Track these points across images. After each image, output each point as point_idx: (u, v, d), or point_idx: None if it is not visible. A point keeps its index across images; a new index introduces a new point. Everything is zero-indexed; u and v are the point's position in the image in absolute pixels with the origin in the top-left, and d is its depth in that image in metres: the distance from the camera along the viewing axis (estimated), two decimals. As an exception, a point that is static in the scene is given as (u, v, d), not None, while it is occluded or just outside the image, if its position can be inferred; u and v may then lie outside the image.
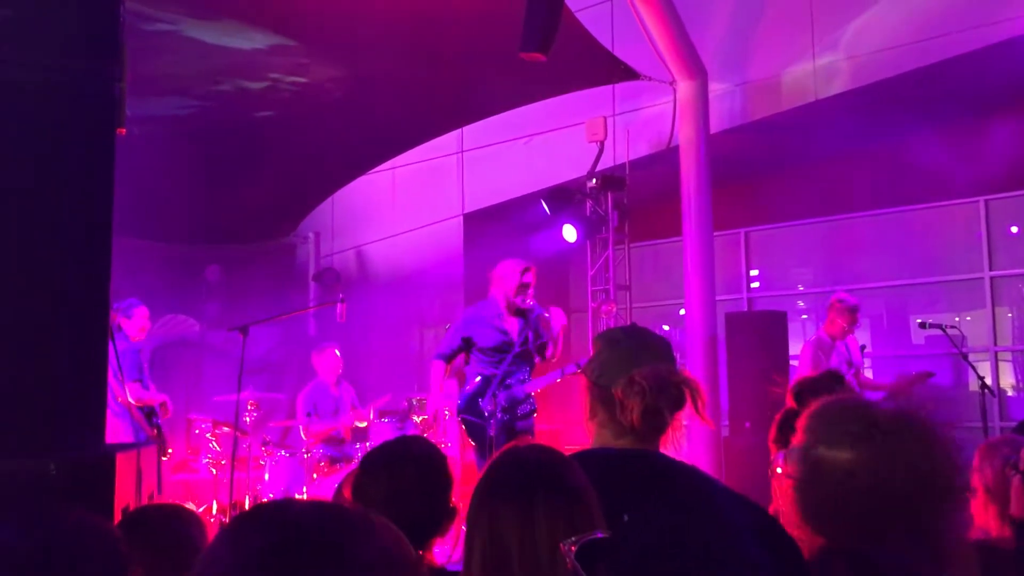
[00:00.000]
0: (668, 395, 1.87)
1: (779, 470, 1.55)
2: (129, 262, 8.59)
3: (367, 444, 7.01)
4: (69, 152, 2.70)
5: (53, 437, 2.62)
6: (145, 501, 3.08)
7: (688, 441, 6.92)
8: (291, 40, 7.03)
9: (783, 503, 1.50)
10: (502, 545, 1.43)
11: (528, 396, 5.79)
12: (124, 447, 3.12)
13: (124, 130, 2.73)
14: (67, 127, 2.71)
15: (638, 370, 1.88)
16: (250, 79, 7.71)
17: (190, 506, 3.07)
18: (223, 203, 9.51)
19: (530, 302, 5.73)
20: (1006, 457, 2.24)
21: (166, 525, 2.08)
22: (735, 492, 1.89)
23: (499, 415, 5.44)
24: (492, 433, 5.40)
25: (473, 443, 5.82)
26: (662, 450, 1.92)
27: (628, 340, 2.01)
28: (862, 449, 1.39)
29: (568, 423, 8.76)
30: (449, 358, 5.94)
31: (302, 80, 7.76)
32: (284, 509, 0.90)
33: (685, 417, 1.92)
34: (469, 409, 5.76)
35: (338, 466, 6.85)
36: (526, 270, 5.80)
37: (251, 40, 7.06)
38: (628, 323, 8.68)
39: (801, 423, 1.52)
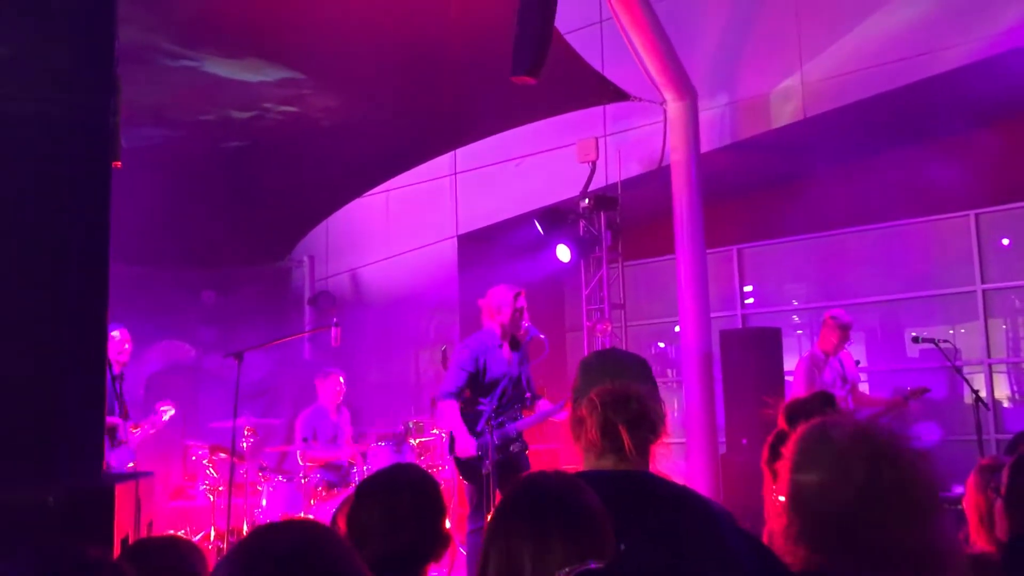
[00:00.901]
0: (622, 410, 1.90)
1: (781, 498, 1.57)
2: (125, 288, 8.59)
3: (365, 468, 7.00)
4: (65, 185, 2.73)
5: (51, 469, 2.63)
6: (144, 531, 3.09)
7: (686, 458, 6.94)
8: (299, 73, 7.09)
9: (775, 526, 1.53)
10: (516, 569, 1.45)
11: (520, 433, 5.63)
12: (123, 477, 3.12)
13: (120, 163, 2.76)
14: (63, 160, 2.74)
15: (595, 388, 1.93)
16: (245, 107, 7.76)
17: (185, 535, 3.09)
18: (218, 228, 9.53)
19: (525, 325, 5.71)
20: (989, 482, 2.27)
21: (166, 557, 2.09)
22: (727, 514, 1.90)
23: (492, 454, 5.28)
24: (486, 471, 5.27)
25: (466, 481, 5.59)
26: (653, 470, 1.94)
27: (598, 362, 2.05)
28: (822, 472, 1.42)
29: (567, 442, 8.75)
30: (459, 395, 5.60)
31: (294, 108, 7.81)
32: (275, 540, 0.98)
33: (670, 435, 1.94)
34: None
35: (336, 491, 6.84)
36: (518, 295, 5.74)
37: (263, 74, 7.13)
38: (623, 341, 8.70)
39: (787, 449, 1.55)
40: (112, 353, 6.24)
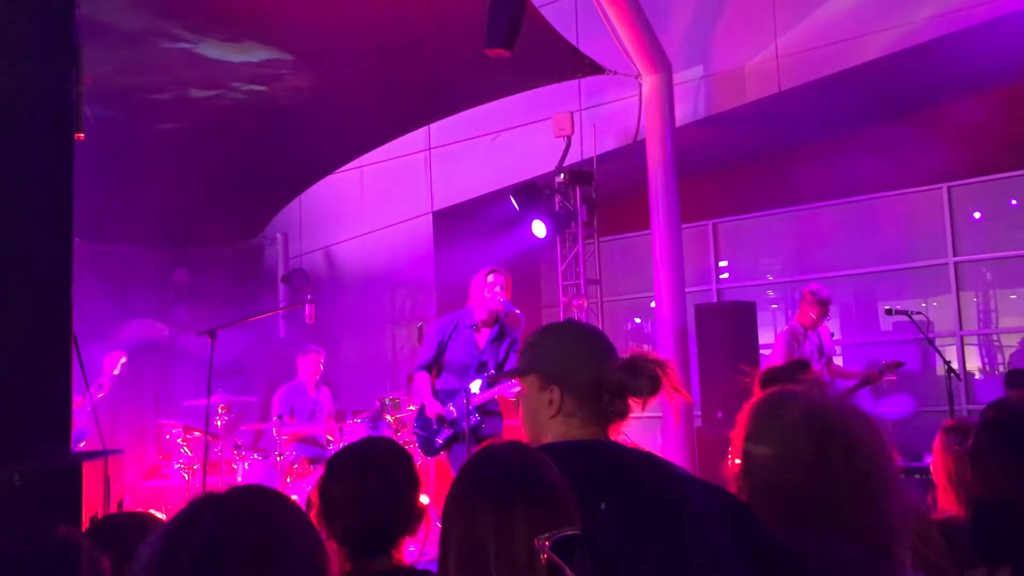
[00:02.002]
0: (644, 380, 1.88)
1: (737, 461, 1.57)
2: (97, 267, 8.51)
3: (342, 445, 6.98)
4: (26, 158, 2.66)
5: (16, 446, 2.59)
6: (114, 509, 3.05)
7: (662, 432, 6.97)
8: (271, 48, 6.99)
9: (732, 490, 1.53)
10: (479, 543, 1.43)
11: (480, 408, 5.64)
12: (91, 455, 3.08)
13: (83, 135, 2.70)
14: (23, 133, 2.68)
15: (614, 361, 1.90)
16: (215, 84, 7.64)
17: (159, 514, 3.05)
18: (189, 206, 9.42)
19: (500, 300, 5.68)
20: (954, 442, 2.28)
21: (133, 533, 2.06)
22: (696, 478, 1.91)
23: (445, 429, 5.38)
24: (439, 444, 5.39)
25: (426, 456, 5.77)
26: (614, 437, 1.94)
27: (585, 345, 1.99)
28: (772, 446, 1.41)
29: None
30: (430, 367, 5.79)
31: (265, 86, 7.70)
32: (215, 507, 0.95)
33: (647, 408, 1.93)
34: (418, 421, 5.73)
35: (312, 468, 6.82)
36: (490, 272, 5.77)
37: (234, 50, 7.03)
38: (599, 317, 8.71)
39: (742, 416, 1.55)
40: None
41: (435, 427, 5.52)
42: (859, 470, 1.40)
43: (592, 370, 1.90)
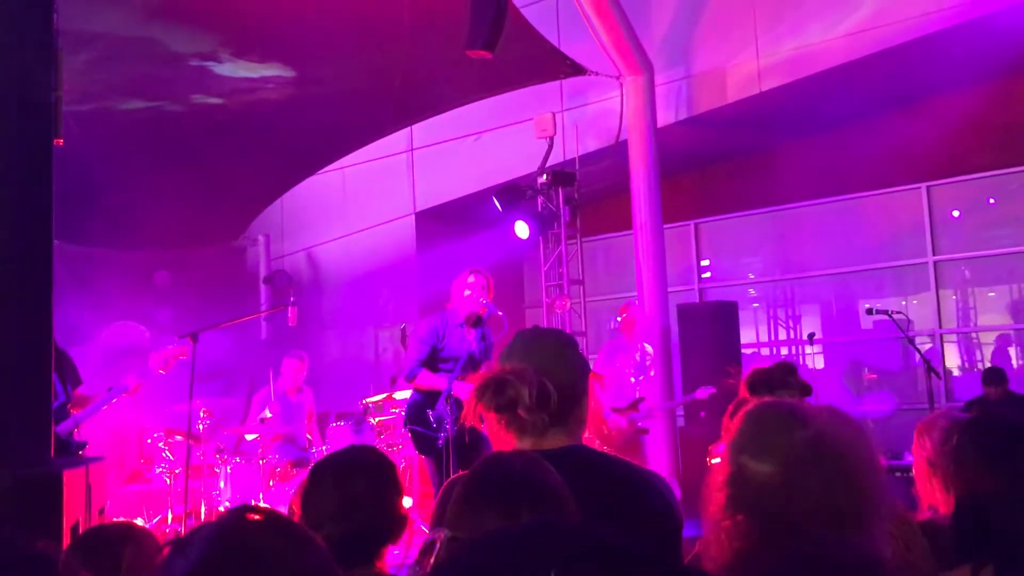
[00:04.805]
0: (490, 395, 1.85)
1: (715, 460, 1.57)
2: (77, 269, 8.43)
3: (324, 448, 6.95)
4: (5, 163, 2.64)
5: (-3, 455, 2.56)
6: (95, 517, 3.03)
7: (648, 434, 6.90)
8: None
9: (710, 492, 1.52)
10: None
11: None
12: (72, 463, 3.06)
13: (61, 140, 2.68)
14: (2, 138, 2.65)
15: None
16: (197, 85, 7.59)
17: (140, 521, 3.04)
18: (170, 207, 9.36)
19: (482, 300, 5.67)
20: (944, 430, 2.28)
21: (119, 544, 2.04)
22: (655, 484, 1.92)
23: (449, 426, 5.28)
24: (441, 443, 5.27)
25: (422, 455, 5.67)
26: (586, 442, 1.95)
27: (512, 348, 2.00)
28: (777, 467, 1.41)
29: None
30: (426, 363, 5.65)
31: (247, 84, 7.67)
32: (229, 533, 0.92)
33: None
34: (416, 419, 5.67)
35: (295, 471, 6.79)
36: (472, 272, 5.75)
37: (215, 51, 7.00)
38: (582, 318, 8.72)
39: (735, 423, 1.54)
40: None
41: (434, 425, 5.47)
42: (860, 509, 1.40)
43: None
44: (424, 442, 5.51)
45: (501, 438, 1.87)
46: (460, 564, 0.82)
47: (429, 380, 5.62)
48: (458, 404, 5.49)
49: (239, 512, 1.06)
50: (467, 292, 5.64)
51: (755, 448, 1.45)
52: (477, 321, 5.73)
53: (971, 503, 2.04)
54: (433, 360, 5.64)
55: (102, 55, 6.46)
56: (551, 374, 1.88)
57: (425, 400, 5.55)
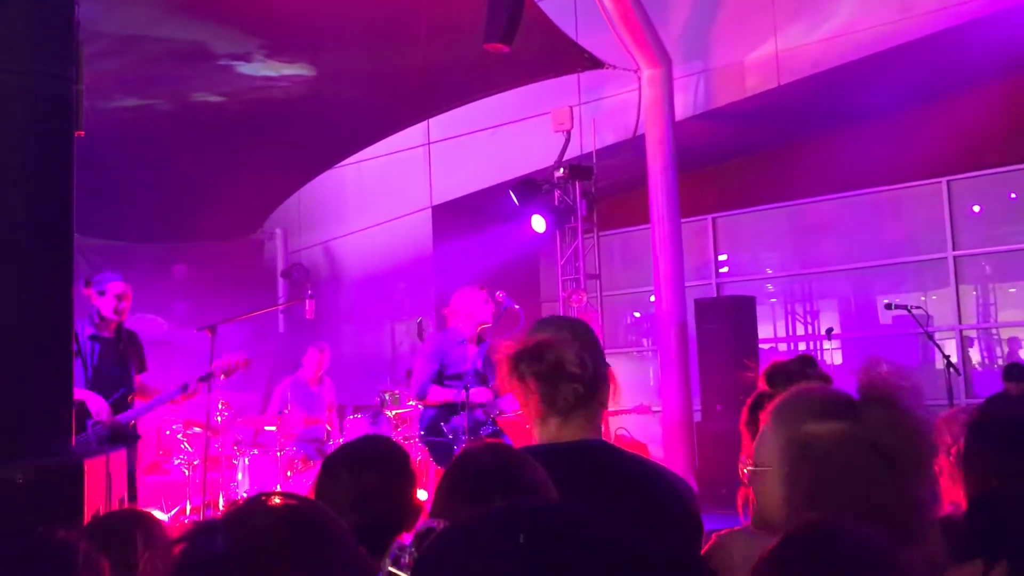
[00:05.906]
0: (534, 362, 1.79)
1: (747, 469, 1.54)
2: (96, 262, 8.48)
3: (342, 440, 6.98)
4: (27, 156, 2.66)
5: (19, 445, 2.59)
6: (115, 506, 3.06)
7: (662, 426, 6.96)
8: (270, 44, 6.98)
9: (755, 496, 1.49)
10: None
11: (492, 419, 5.64)
12: (93, 452, 3.09)
13: (83, 132, 2.70)
14: (24, 131, 2.67)
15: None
16: (214, 79, 7.62)
17: (157, 513, 3.06)
18: (189, 201, 9.41)
19: (492, 312, 5.78)
20: (964, 425, 2.26)
21: (130, 531, 2.06)
22: (677, 488, 1.89)
23: (463, 437, 5.35)
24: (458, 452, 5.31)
25: (440, 465, 5.71)
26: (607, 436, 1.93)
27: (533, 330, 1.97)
28: (847, 421, 1.38)
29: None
30: (435, 380, 5.75)
31: (265, 80, 7.69)
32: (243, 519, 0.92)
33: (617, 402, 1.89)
34: (432, 432, 5.72)
35: (312, 463, 6.82)
36: (487, 299, 5.81)
37: (232, 45, 7.02)
38: (599, 312, 8.71)
39: (769, 411, 1.50)
40: (108, 309, 5.24)
41: (449, 436, 5.54)
42: (911, 445, 1.38)
43: None
44: (441, 451, 5.58)
45: (522, 420, 1.87)
46: (433, 548, 0.84)
47: (441, 394, 5.71)
48: (475, 420, 5.56)
49: (263, 497, 1.06)
50: (482, 305, 5.72)
51: (815, 413, 1.42)
52: (480, 340, 5.79)
53: (984, 500, 2.02)
54: (439, 379, 5.71)
55: (123, 52, 6.49)
56: (583, 346, 1.84)
57: (439, 414, 5.63)
